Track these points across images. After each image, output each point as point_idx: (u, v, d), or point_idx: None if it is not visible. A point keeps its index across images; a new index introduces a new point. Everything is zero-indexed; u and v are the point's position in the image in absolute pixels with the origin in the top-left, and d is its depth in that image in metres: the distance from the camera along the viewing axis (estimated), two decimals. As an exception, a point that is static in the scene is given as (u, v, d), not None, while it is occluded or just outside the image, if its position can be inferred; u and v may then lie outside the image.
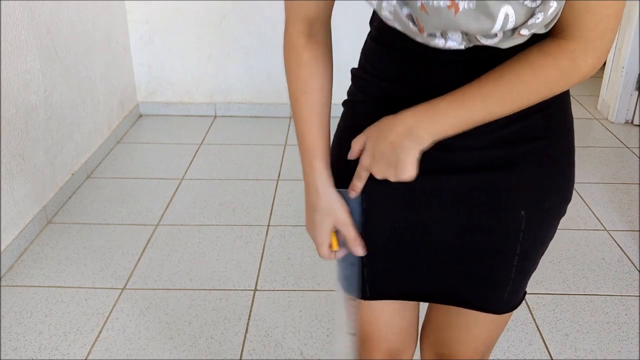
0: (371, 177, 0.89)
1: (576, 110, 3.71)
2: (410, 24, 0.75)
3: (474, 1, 0.69)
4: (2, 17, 2.10)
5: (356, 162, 0.89)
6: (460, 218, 0.90)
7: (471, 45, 0.76)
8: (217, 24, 3.38)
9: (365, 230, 0.94)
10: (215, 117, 3.57)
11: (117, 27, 3.23)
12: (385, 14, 0.77)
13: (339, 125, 0.98)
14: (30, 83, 2.31)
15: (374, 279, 0.99)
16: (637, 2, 3.22)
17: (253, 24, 3.37)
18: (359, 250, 0.92)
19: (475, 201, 0.88)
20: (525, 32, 0.72)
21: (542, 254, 0.97)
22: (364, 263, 0.98)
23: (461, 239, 0.91)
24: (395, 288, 0.99)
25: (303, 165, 0.92)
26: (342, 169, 0.93)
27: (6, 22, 2.13)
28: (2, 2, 2.09)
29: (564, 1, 0.70)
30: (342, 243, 0.94)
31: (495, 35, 0.73)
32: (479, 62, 0.80)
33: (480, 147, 0.85)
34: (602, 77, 3.65)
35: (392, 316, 1.07)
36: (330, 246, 0.93)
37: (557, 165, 0.90)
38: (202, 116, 3.57)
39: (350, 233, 0.92)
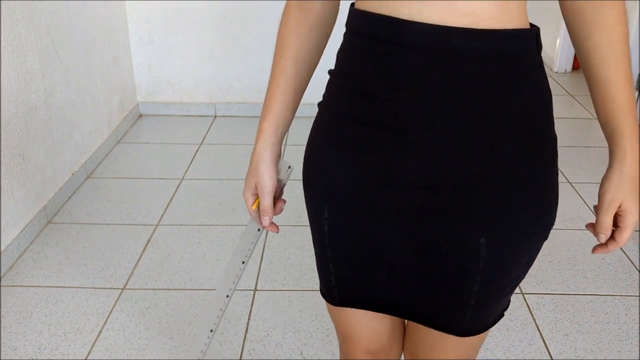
0: (333, 186, 0.88)
1: (576, 110, 3.71)
2: None
3: None
4: (2, 17, 2.10)
5: (317, 163, 0.90)
6: (417, 237, 0.85)
7: None
8: (217, 24, 3.38)
9: (329, 239, 0.93)
10: (215, 117, 3.57)
11: (117, 27, 3.23)
12: None
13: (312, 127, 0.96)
14: (30, 83, 2.31)
15: (342, 286, 0.98)
16: (637, 2, 3.22)
17: (253, 24, 3.37)
18: (265, 221, 0.94)
19: (433, 222, 0.83)
20: None
21: (518, 277, 0.90)
22: (331, 270, 0.97)
23: (418, 258, 0.86)
24: (362, 298, 0.97)
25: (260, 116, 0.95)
26: (310, 175, 0.93)
27: (6, 22, 2.13)
28: (2, 2, 2.09)
29: None
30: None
31: None
32: (446, 52, 0.75)
33: (443, 159, 0.79)
34: (602, 77, 3.64)
35: (368, 320, 1.05)
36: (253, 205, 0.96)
37: (529, 192, 0.81)
38: (202, 116, 3.57)
39: (264, 202, 0.93)
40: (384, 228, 0.86)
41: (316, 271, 1.03)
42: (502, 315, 0.97)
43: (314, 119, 0.92)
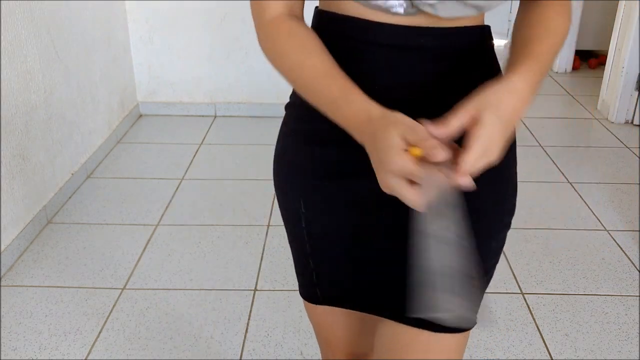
0: (307, 181, 0.88)
1: (576, 110, 3.71)
2: None
3: None
4: (2, 17, 2.10)
5: (299, 168, 0.89)
6: (392, 223, 0.85)
7: (411, 10, 0.76)
8: (217, 24, 3.38)
9: (308, 233, 0.93)
10: (215, 117, 3.57)
11: (117, 27, 3.23)
12: None
13: (280, 131, 0.96)
14: (30, 83, 2.31)
15: (324, 282, 0.97)
16: (637, 2, 3.22)
17: (253, 24, 3.37)
18: (439, 155, 0.66)
19: (399, 203, 0.76)
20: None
21: (489, 267, 0.89)
22: (312, 267, 0.97)
23: (393, 243, 0.86)
24: (344, 293, 0.96)
25: (339, 112, 0.76)
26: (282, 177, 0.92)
27: (6, 22, 2.13)
28: (2, 2, 2.09)
29: None
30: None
31: None
32: (415, 48, 0.79)
33: None
34: (602, 77, 3.65)
35: (349, 319, 1.04)
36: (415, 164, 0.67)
37: (490, 176, 0.77)
38: (202, 116, 3.57)
39: (429, 131, 0.68)
40: (360, 216, 0.87)
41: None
42: (475, 322, 0.90)
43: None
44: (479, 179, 0.80)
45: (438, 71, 0.81)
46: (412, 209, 0.72)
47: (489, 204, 0.86)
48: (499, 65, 0.88)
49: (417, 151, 0.67)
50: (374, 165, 0.72)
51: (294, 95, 0.90)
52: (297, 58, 0.79)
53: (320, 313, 1.04)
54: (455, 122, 0.68)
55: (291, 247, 1.01)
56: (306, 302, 1.05)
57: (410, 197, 0.68)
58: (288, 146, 0.93)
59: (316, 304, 1.01)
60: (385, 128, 0.69)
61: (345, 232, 0.90)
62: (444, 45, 0.80)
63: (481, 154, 0.68)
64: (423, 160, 0.67)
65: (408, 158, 0.67)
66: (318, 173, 0.89)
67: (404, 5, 0.75)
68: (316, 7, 0.88)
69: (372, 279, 0.92)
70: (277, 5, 0.82)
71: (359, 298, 0.95)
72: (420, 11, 0.77)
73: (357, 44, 0.81)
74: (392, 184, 0.68)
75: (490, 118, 0.68)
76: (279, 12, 0.82)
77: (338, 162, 0.85)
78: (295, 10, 0.83)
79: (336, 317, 1.04)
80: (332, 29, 0.84)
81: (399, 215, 0.85)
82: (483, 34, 0.84)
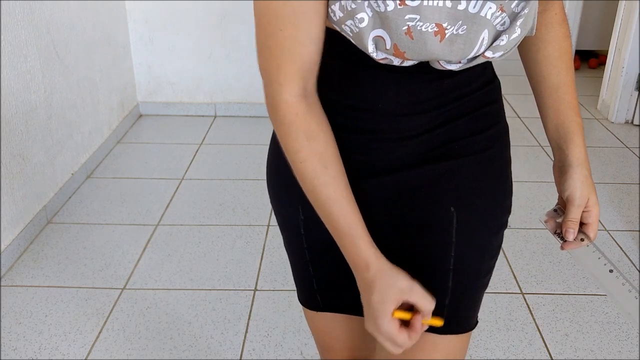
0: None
1: (576, 110, 3.71)
2: (377, 52, 0.73)
3: (465, 26, 0.69)
4: (2, 17, 2.10)
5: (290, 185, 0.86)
6: (391, 222, 0.87)
7: (417, 62, 0.76)
8: (217, 24, 3.38)
9: (307, 240, 0.92)
10: (215, 117, 3.57)
11: (117, 27, 3.23)
12: (369, 47, 0.72)
13: (270, 147, 0.93)
14: (30, 83, 2.31)
15: (324, 288, 0.96)
16: (637, 2, 3.22)
17: (253, 24, 3.36)
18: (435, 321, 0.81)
19: (404, 201, 0.85)
20: (490, 55, 0.74)
21: (484, 269, 0.90)
22: (312, 273, 0.96)
23: (393, 244, 0.86)
24: (345, 299, 0.95)
25: (344, 248, 0.81)
26: (279, 194, 0.92)
27: (6, 22, 2.13)
28: (2, 2, 2.09)
29: (527, 31, 0.74)
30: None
31: (459, 61, 0.75)
32: (419, 72, 0.79)
33: (415, 148, 0.83)
34: (602, 77, 3.65)
35: (351, 324, 1.03)
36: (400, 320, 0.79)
37: (484, 166, 0.86)
38: (202, 116, 3.57)
39: (425, 304, 0.78)
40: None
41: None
42: (476, 322, 0.94)
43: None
44: (482, 178, 0.86)
45: (439, 89, 0.81)
46: (412, 214, 0.84)
47: (490, 203, 0.88)
48: (492, 69, 0.90)
49: (404, 315, 0.78)
50: (364, 310, 0.80)
51: None
52: (313, 168, 0.77)
53: (321, 319, 1.03)
54: (578, 216, 0.87)
55: (289, 254, 1.00)
56: (306, 309, 1.04)
57: (390, 349, 0.79)
58: (282, 157, 0.89)
59: (317, 310, 1.00)
60: (382, 287, 0.77)
61: None
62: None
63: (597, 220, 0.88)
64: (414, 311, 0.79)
65: (394, 325, 0.77)
66: None
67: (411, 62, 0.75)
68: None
69: None
70: (292, 87, 0.74)
71: (360, 303, 0.93)
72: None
73: (354, 66, 0.80)
74: (376, 335, 0.79)
75: (592, 199, 0.87)
76: (296, 93, 0.75)
77: None
78: (310, 82, 0.76)
79: (337, 322, 1.03)
80: (336, 51, 0.79)
81: (397, 220, 0.87)
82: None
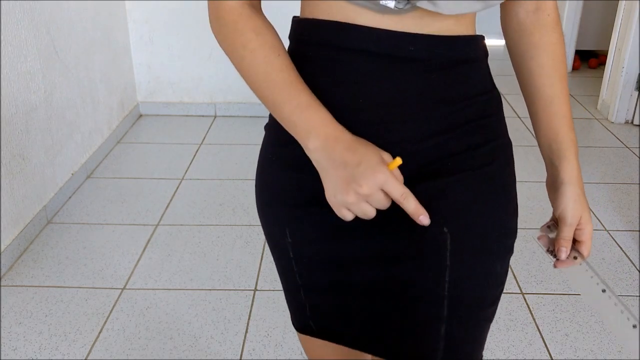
0: (291, 207, 0.84)
1: (576, 110, 3.71)
2: None
3: None
4: (2, 17, 2.10)
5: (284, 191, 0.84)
6: (380, 248, 0.81)
7: (408, 6, 0.71)
8: (217, 24, 3.38)
9: (297, 264, 0.88)
10: (215, 117, 3.57)
11: (117, 27, 3.23)
12: None
13: (261, 153, 0.89)
14: (30, 83, 2.31)
15: (317, 315, 0.92)
16: (637, 2, 3.22)
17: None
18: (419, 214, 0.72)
19: (393, 226, 0.79)
20: None
21: (488, 298, 0.83)
22: (303, 299, 0.92)
23: (383, 274, 0.81)
24: (337, 327, 0.91)
25: (314, 128, 0.73)
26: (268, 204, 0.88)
27: (6, 22, 2.13)
28: (2, 2, 2.09)
29: None
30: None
31: None
32: (402, 59, 0.75)
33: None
34: (602, 77, 3.65)
35: (345, 351, 0.98)
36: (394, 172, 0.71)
37: (482, 184, 0.80)
38: (202, 116, 3.57)
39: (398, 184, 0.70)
40: (349, 244, 0.82)
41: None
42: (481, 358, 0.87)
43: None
44: (479, 197, 0.81)
45: (427, 86, 0.76)
46: (402, 238, 0.79)
47: (491, 225, 0.81)
48: (491, 79, 0.85)
49: (396, 163, 0.71)
50: (333, 182, 0.71)
51: (272, 116, 0.84)
52: (265, 55, 0.74)
53: (315, 344, 0.98)
54: (571, 234, 0.86)
55: (280, 277, 0.96)
56: (300, 334, 0.99)
57: (379, 203, 0.70)
58: (266, 173, 0.88)
59: (311, 335, 0.96)
60: (369, 145, 0.72)
61: (330, 263, 0.85)
62: (435, 56, 0.76)
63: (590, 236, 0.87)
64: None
65: (390, 173, 0.69)
66: (298, 200, 0.83)
67: (402, 2, 0.71)
68: (294, 17, 0.82)
69: (360, 313, 0.86)
70: None
71: (352, 333, 0.90)
72: (411, 10, 0.72)
73: (341, 53, 0.76)
74: (354, 200, 0.70)
75: (585, 217, 0.85)
76: (241, 2, 0.76)
77: (314, 188, 0.77)
78: (255, 2, 0.78)
79: (331, 349, 0.98)
80: (313, 38, 0.78)
81: (386, 245, 0.81)
82: (476, 44, 0.81)
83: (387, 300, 0.84)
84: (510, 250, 0.85)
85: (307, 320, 0.94)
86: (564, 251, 0.85)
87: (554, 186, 0.86)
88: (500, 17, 0.89)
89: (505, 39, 0.89)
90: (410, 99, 0.76)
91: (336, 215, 0.73)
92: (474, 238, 0.80)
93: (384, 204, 0.70)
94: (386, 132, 0.76)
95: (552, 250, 0.87)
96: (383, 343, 0.87)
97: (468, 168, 0.79)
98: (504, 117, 0.87)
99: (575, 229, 0.86)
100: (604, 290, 0.84)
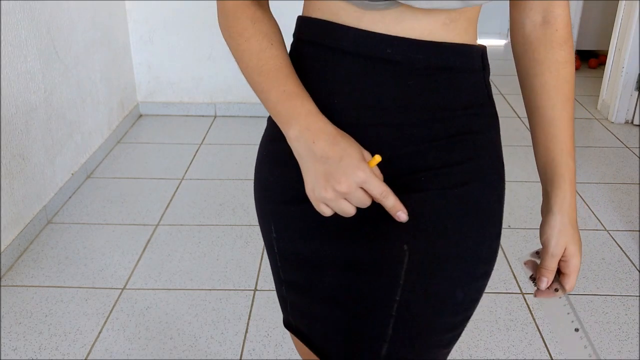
0: (276, 203, 0.83)
1: (576, 110, 3.71)
2: None
3: None
4: (2, 17, 2.10)
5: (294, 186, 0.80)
6: (345, 254, 0.79)
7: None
8: (217, 24, 3.37)
9: (280, 259, 0.88)
10: (215, 117, 3.57)
11: (117, 27, 3.23)
12: None
13: (262, 144, 0.90)
14: (30, 83, 2.31)
15: (295, 313, 0.90)
16: (637, 2, 3.22)
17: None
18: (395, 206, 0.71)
19: (359, 233, 0.77)
20: None
21: (442, 325, 0.76)
22: (285, 295, 0.91)
23: (345, 281, 0.79)
24: (304, 329, 0.89)
25: (286, 115, 0.73)
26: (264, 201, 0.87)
27: (6, 22, 2.13)
28: (2, 2, 2.09)
29: None
30: None
31: None
32: (380, 60, 0.73)
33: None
34: (602, 77, 3.65)
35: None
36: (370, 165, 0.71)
37: (455, 205, 0.75)
38: (202, 116, 3.57)
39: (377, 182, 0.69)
40: (324, 244, 0.81)
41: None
42: None
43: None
44: (449, 219, 0.76)
45: (403, 91, 0.74)
46: (361, 248, 0.76)
47: (460, 249, 0.76)
48: (486, 94, 0.80)
49: (375, 161, 0.71)
50: (312, 176, 0.71)
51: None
52: (259, 43, 0.76)
53: (302, 343, 0.95)
54: (553, 264, 0.82)
55: (271, 269, 0.96)
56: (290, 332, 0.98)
57: (359, 202, 0.70)
58: (258, 169, 0.89)
59: (292, 333, 0.95)
60: (351, 141, 0.71)
61: (307, 262, 0.84)
62: (415, 61, 0.73)
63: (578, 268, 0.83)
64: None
65: (370, 171, 0.69)
66: (284, 196, 0.83)
67: None
68: (299, 17, 0.83)
69: (320, 318, 0.85)
70: None
71: (314, 337, 0.87)
72: (390, 7, 0.71)
73: (325, 52, 0.76)
74: (355, 194, 0.69)
75: (571, 249, 0.81)
76: None
77: (299, 184, 0.75)
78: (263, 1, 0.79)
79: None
80: (305, 36, 0.79)
81: (345, 253, 0.79)
82: (469, 54, 0.76)
83: (343, 309, 0.81)
84: (483, 277, 0.80)
85: (288, 316, 0.94)
86: (545, 281, 0.83)
87: (543, 213, 0.84)
88: (509, 28, 0.86)
89: (512, 51, 0.86)
90: (385, 103, 0.74)
91: (317, 213, 0.72)
92: (433, 261, 0.74)
93: (364, 202, 0.69)
94: (361, 135, 0.74)
95: (534, 277, 0.85)
96: (334, 353, 0.84)
97: (440, 187, 0.75)
98: (497, 137, 0.82)
99: (561, 261, 0.83)
100: (576, 330, 0.81)
